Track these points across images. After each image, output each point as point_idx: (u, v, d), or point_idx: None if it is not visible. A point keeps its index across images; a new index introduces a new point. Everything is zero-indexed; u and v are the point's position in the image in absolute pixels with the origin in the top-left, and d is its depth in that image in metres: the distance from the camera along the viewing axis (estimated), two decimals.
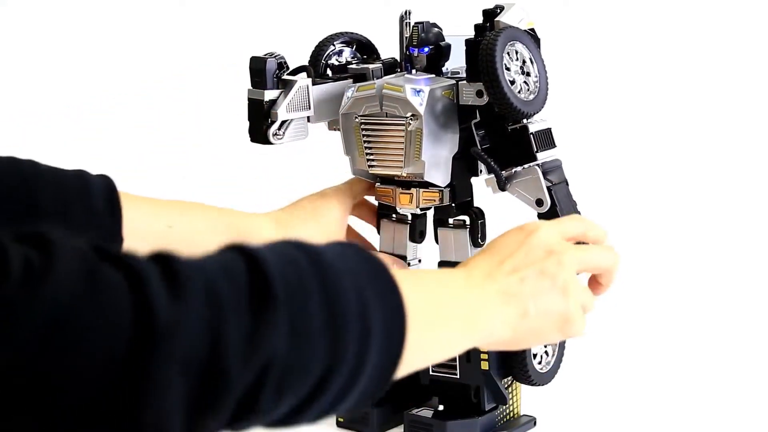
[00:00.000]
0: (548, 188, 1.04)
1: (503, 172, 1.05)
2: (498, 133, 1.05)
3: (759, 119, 1.82)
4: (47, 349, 0.52)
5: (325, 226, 1.08)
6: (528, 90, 1.03)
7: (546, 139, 1.05)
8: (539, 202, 1.04)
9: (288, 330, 0.61)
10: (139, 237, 0.96)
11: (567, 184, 1.06)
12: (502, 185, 1.05)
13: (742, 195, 1.74)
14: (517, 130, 1.04)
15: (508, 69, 1.01)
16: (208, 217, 1.03)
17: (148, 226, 0.98)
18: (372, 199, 1.16)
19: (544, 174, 1.04)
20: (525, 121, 1.04)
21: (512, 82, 1.01)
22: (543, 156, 1.05)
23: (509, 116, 1.03)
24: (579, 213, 1.05)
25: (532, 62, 1.04)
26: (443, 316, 0.74)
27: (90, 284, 0.54)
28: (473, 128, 1.07)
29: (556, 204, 1.04)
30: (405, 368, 0.69)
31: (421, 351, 0.72)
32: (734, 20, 1.85)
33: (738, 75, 1.84)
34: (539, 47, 1.06)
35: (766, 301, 1.51)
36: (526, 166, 1.04)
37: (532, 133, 1.04)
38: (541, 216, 1.04)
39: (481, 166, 1.08)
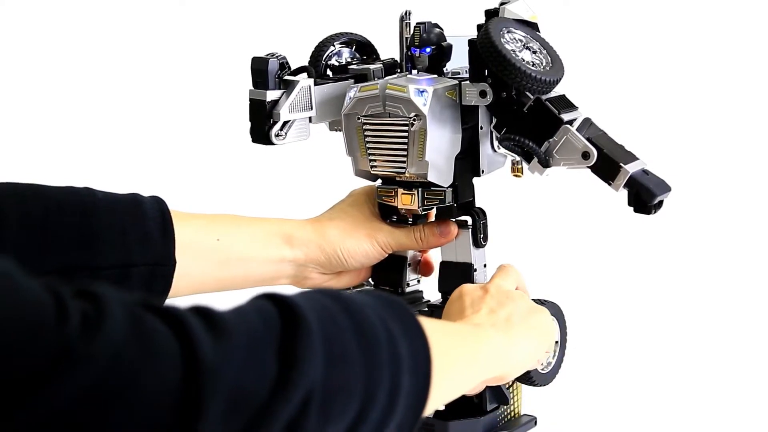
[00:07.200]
0: (587, 139, 1.00)
1: (540, 149, 1.02)
2: (517, 123, 1.04)
3: (759, 118, 1.82)
4: (102, 393, 0.57)
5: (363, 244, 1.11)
6: (542, 63, 1.02)
7: (563, 102, 1.03)
8: (586, 156, 1.00)
9: (324, 357, 0.66)
10: (191, 254, 1.03)
11: (606, 134, 1.03)
12: (544, 161, 1.02)
13: (743, 193, 1.74)
14: (533, 106, 1.03)
15: (512, 51, 1.01)
16: (252, 227, 1.08)
17: (199, 242, 1.04)
18: None
19: (578, 131, 1.01)
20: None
21: (522, 60, 1.01)
22: (567, 116, 1.02)
23: (536, 89, 1.01)
24: (631, 153, 1.01)
25: (531, 39, 1.03)
26: (456, 344, 0.86)
27: (138, 333, 0.60)
28: (492, 131, 1.07)
29: (603, 149, 1.00)
30: (435, 397, 0.75)
31: (447, 379, 0.80)
32: (734, 20, 1.85)
33: (738, 75, 1.84)
34: (537, 31, 1.05)
35: (765, 301, 1.51)
36: (557, 134, 1.02)
37: (546, 100, 1.02)
38: (594, 170, 1.00)
39: (496, 162, 1.09)
